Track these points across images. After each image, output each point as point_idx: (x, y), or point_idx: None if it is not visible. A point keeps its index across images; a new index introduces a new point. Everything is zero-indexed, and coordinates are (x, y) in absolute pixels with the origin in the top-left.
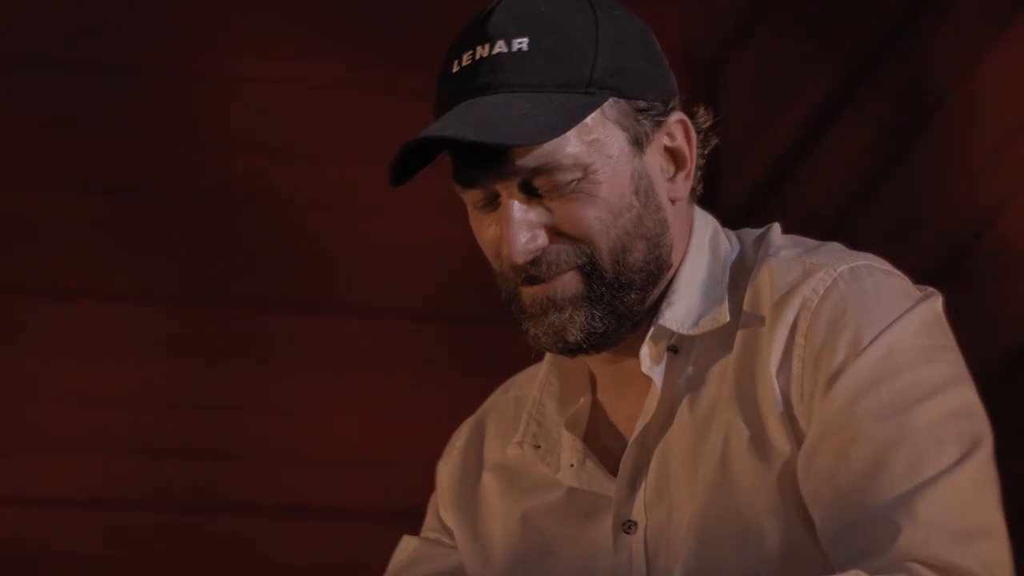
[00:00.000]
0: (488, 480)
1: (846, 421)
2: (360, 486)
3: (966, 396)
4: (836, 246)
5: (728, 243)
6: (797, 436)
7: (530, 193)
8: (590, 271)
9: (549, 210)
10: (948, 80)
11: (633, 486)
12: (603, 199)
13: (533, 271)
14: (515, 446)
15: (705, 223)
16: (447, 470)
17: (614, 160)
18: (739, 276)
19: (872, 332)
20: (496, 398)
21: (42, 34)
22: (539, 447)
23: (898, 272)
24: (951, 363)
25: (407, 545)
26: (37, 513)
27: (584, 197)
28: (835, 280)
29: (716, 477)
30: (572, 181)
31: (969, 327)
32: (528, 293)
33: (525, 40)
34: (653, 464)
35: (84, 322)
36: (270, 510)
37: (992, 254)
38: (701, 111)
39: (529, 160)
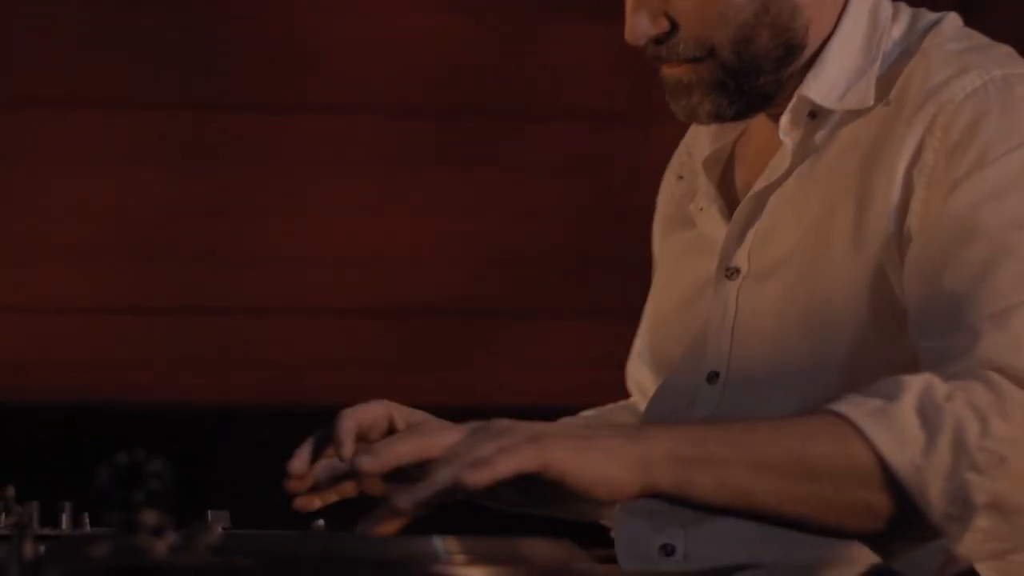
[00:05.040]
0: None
1: (966, 220)
2: (350, 283)
3: None
4: (1006, 50)
5: (890, 19)
6: (900, 230)
7: None
8: (712, 62)
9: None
10: None
11: (742, 235)
12: None
13: (654, 52)
14: (674, 177)
15: None
16: (665, 187)
17: None
18: (898, 60)
19: (1010, 142)
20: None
21: None
22: (682, 178)
23: None
24: None
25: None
26: (34, 320)
27: None
28: (985, 83)
29: (813, 249)
30: None
31: None
32: (664, 72)
33: None
34: (764, 218)
35: (59, 129)
36: (258, 310)
37: None
38: None
39: None
